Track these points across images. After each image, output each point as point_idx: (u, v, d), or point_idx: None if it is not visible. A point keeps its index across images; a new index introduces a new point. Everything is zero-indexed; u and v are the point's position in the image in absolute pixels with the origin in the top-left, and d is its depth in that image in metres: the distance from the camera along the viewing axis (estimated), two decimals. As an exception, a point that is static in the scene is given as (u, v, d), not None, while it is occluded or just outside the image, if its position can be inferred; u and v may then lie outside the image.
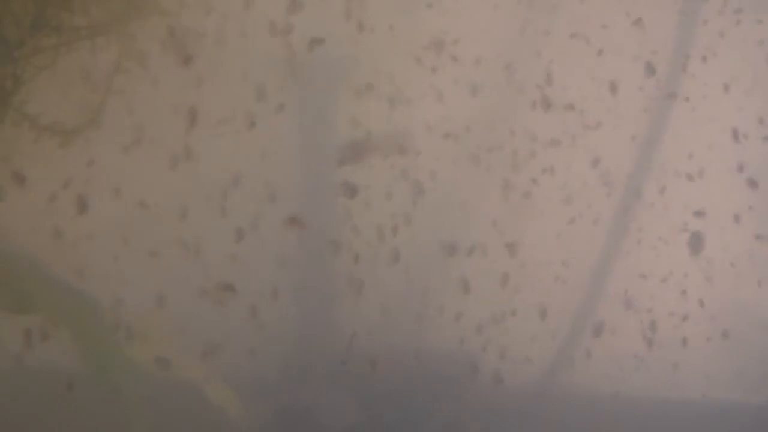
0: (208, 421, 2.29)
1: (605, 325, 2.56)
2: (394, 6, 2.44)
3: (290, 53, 2.36)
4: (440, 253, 2.46)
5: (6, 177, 2.21)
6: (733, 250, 2.64)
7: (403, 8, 2.44)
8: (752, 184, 2.65)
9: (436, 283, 2.47)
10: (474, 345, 2.48)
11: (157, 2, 2.23)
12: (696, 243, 2.62)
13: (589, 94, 2.55)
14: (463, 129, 2.47)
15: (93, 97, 2.23)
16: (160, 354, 2.27)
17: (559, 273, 2.53)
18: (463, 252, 2.47)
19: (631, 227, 2.59)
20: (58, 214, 2.24)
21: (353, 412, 2.40)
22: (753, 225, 2.64)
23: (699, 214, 2.61)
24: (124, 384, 2.23)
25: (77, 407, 2.23)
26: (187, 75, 2.29)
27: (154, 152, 2.28)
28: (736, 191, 2.64)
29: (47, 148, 2.21)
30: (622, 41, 2.57)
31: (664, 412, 2.58)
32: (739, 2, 2.64)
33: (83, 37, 2.19)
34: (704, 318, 2.61)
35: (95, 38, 2.20)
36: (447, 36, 2.46)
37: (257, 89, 2.37)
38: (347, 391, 2.41)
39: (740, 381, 2.63)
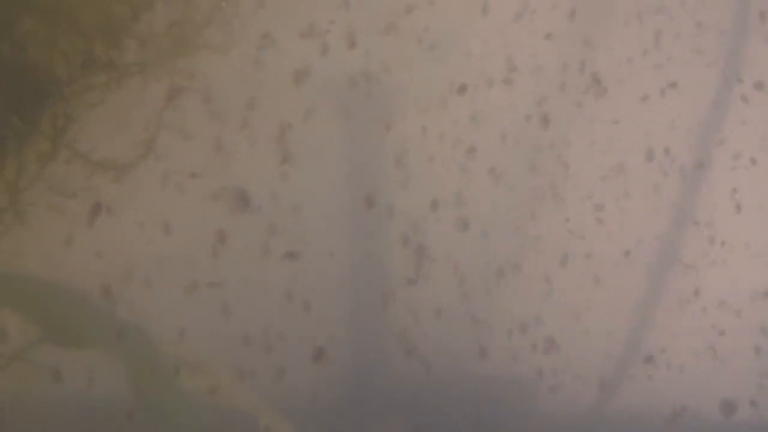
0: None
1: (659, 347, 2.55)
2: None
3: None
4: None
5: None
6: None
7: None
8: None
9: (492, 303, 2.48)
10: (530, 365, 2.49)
11: (206, 38, 2.24)
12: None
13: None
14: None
15: (144, 132, 2.24)
16: (213, 385, 2.30)
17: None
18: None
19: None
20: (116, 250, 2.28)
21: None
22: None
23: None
24: (179, 415, 2.26)
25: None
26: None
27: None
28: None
29: (100, 184, 2.23)
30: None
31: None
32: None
33: (133, 73, 2.20)
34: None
35: (145, 74, 2.21)
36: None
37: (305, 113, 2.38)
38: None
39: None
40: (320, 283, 2.38)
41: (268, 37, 2.32)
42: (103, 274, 2.27)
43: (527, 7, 2.49)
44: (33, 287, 2.23)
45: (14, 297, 2.22)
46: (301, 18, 2.35)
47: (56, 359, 2.24)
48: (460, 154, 2.45)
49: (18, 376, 2.21)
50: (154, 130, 2.24)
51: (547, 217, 2.51)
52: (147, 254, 2.29)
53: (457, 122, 2.45)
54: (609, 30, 2.54)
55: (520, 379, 2.49)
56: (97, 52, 2.16)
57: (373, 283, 2.41)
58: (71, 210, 2.23)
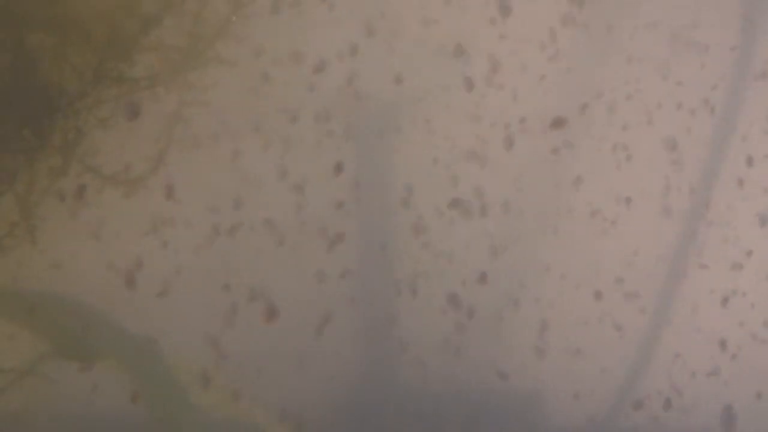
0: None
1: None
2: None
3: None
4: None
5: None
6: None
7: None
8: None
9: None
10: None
11: (216, 52, 2.24)
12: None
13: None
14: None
15: (155, 146, 2.25)
16: (223, 398, 2.30)
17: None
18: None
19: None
20: (124, 261, 2.27)
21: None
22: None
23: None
24: (189, 428, 2.26)
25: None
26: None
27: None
28: None
29: (112, 198, 2.24)
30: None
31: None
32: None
33: (143, 87, 2.21)
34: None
35: (155, 88, 2.22)
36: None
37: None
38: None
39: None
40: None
41: (280, 51, 2.33)
42: (114, 286, 2.28)
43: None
44: (44, 301, 2.24)
45: (24, 311, 2.22)
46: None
47: (66, 373, 2.24)
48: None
49: (29, 390, 2.21)
50: (164, 144, 2.25)
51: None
52: (159, 266, 2.30)
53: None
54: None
55: (530, 391, 2.49)
56: (107, 66, 2.17)
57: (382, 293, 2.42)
58: (82, 223, 2.24)
